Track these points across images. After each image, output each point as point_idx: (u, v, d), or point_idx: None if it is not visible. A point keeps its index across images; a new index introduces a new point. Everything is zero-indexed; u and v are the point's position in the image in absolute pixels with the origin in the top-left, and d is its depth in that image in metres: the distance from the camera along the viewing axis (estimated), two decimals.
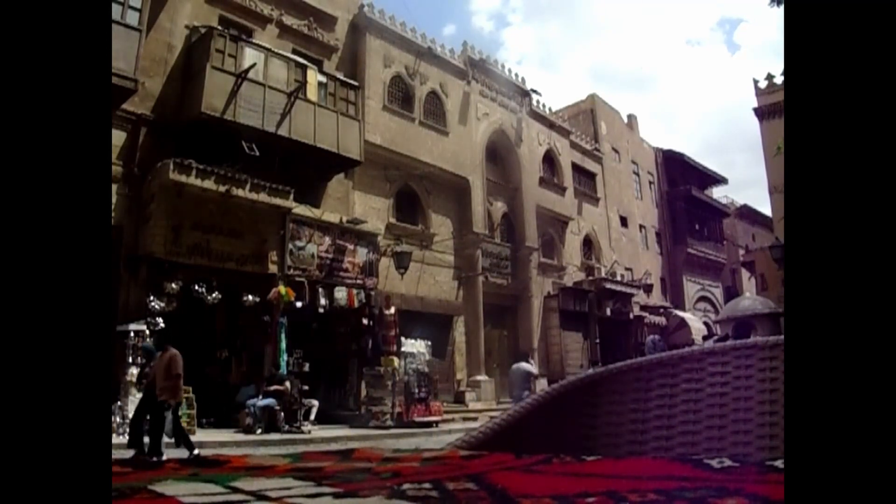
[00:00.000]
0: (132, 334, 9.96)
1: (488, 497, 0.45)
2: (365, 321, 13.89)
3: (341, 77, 14.47)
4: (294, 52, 13.90)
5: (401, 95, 16.96)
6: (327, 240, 13.45)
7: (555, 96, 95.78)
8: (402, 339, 14.39)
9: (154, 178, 10.86)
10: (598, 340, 21.80)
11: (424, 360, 14.68)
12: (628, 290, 23.89)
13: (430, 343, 15.34)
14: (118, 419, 9.26)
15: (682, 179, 31.66)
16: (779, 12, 11.11)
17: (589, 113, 27.20)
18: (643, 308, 24.87)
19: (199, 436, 9.87)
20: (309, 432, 10.98)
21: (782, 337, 0.95)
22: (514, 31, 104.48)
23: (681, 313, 26.55)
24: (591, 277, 23.09)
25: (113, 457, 0.58)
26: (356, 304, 13.59)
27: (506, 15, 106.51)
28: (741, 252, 34.06)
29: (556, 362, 20.35)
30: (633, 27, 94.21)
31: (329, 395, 13.38)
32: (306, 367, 12.66)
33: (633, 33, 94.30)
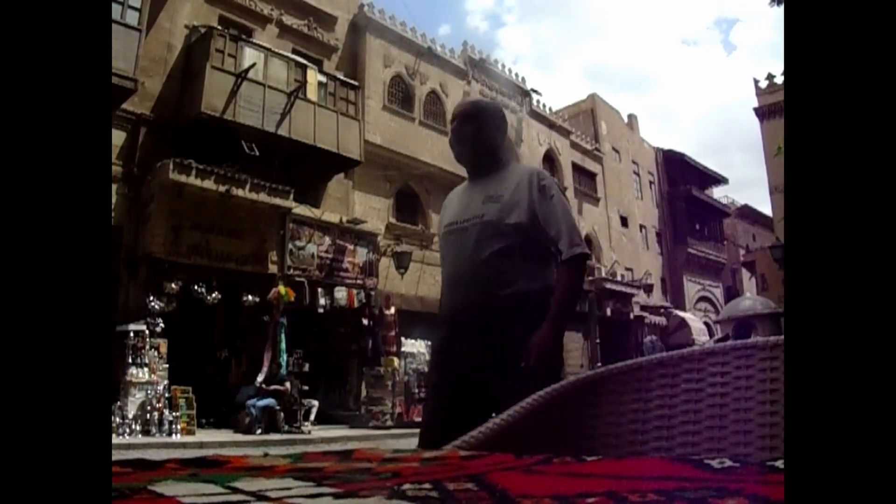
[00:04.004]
0: (132, 334, 9.96)
1: (488, 497, 0.45)
2: (365, 321, 13.89)
3: (341, 77, 14.47)
4: (294, 51, 13.90)
5: (401, 95, 16.96)
6: (327, 240, 13.45)
7: (551, 96, 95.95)
8: (403, 339, 14.39)
9: (154, 178, 10.85)
10: (598, 340, 21.80)
11: (424, 360, 14.68)
12: (628, 290, 23.89)
13: (430, 343, 15.34)
14: (118, 419, 9.26)
15: (682, 179, 31.65)
16: (776, 12, 11.11)
17: (589, 113, 27.20)
18: (643, 308, 24.87)
19: (199, 436, 9.88)
20: (309, 432, 10.98)
21: (782, 337, 0.95)
22: (510, 31, 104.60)
23: (681, 313, 26.55)
24: (591, 277, 23.08)
25: (113, 457, 0.58)
26: (356, 305, 13.59)
27: (500, 15, 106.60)
28: (742, 252, 34.06)
29: None
30: (628, 27, 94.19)
31: (329, 395, 13.38)
32: (306, 367, 12.66)
33: (629, 33, 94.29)
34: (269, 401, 10.77)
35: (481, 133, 2.08)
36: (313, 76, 13.45)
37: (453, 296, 1.99)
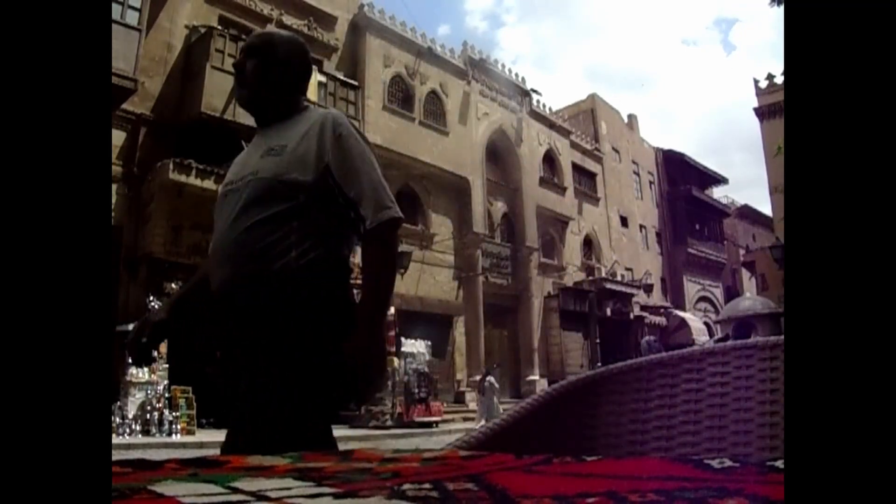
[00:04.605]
0: None
1: (488, 497, 0.45)
2: None
3: (341, 77, 14.47)
4: None
5: (401, 95, 16.97)
6: None
7: (551, 96, 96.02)
8: (402, 339, 14.38)
9: (154, 178, 10.86)
10: (598, 340, 21.81)
11: (424, 360, 14.68)
12: (628, 290, 23.89)
13: (430, 343, 15.34)
14: (118, 419, 9.26)
15: (682, 179, 31.66)
16: (776, 12, 11.11)
17: (589, 113, 27.21)
18: (643, 308, 24.87)
19: (199, 436, 9.87)
20: None
21: (782, 337, 0.95)
22: (509, 31, 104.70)
23: (681, 313, 26.55)
24: (591, 277, 23.09)
25: (113, 457, 0.58)
26: None
27: (500, 15, 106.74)
28: (742, 252, 34.07)
29: (556, 362, 20.35)
30: (628, 27, 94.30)
31: None
32: None
33: (629, 33, 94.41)
34: None
35: (267, 70, 1.64)
36: (313, 76, 13.45)
37: (216, 271, 1.55)
